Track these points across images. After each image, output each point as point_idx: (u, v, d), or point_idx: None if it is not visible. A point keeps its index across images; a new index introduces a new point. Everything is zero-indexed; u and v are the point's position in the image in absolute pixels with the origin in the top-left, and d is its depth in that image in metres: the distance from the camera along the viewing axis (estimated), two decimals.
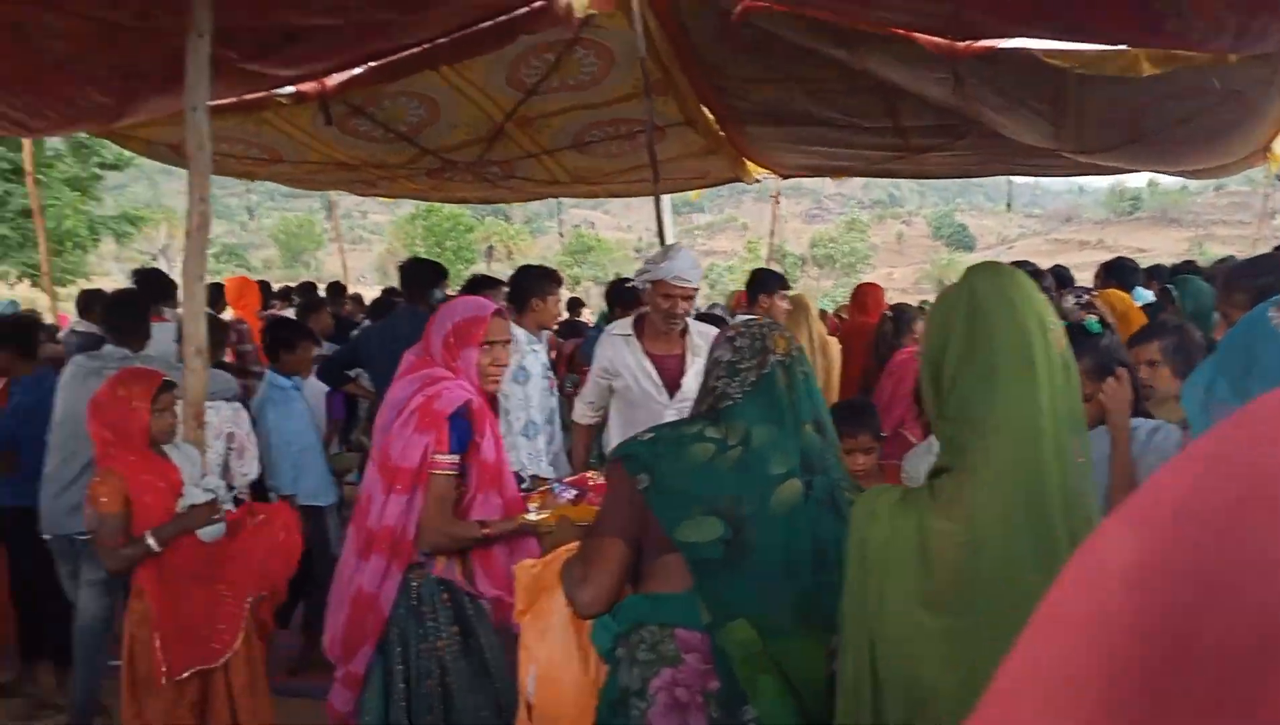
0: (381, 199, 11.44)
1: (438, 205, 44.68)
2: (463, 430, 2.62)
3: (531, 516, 2.56)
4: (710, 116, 6.61)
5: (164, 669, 2.90)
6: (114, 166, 19.03)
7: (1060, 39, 4.36)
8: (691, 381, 3.45)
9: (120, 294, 5.10)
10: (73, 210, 18.20)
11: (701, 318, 4.59)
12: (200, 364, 2.93)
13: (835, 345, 5.74)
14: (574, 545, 2.08)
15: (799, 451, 1.91)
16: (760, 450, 1.88)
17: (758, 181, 8.78)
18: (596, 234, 68.17)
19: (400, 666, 2.64)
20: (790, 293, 5.61)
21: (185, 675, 2.93)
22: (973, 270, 1.67)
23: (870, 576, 1.58)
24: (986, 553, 1.50)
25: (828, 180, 9.65)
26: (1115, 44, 4.25)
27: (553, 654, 1.87)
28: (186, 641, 2.97)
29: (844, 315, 8.87)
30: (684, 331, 3.58)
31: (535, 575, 1.99)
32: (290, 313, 8.70)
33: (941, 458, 1.61)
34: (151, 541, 2.92)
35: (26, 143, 8.10)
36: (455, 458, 2.60)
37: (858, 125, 6.40)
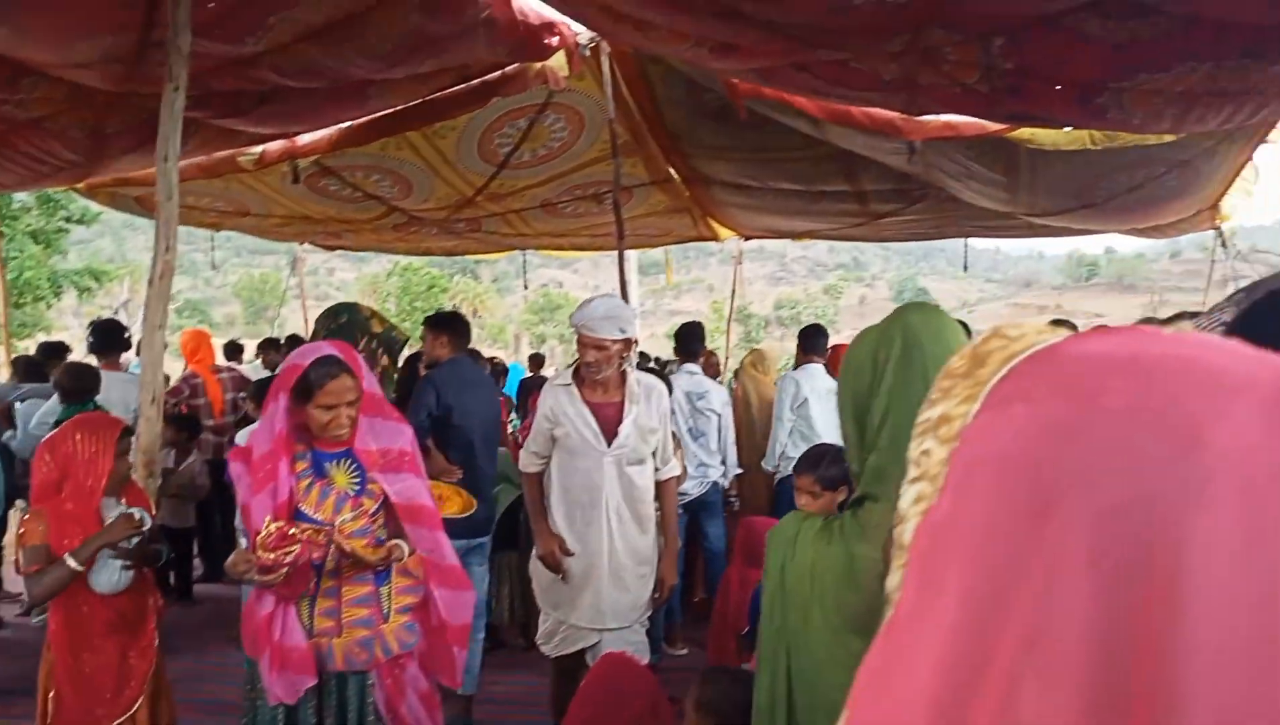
0: (347, 253, 11.45)
1: (415, 265, 44.38)
2: None
3: None
4: (677, 177, 6.75)
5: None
6: (80, 221, 18.81)
7: (1010, 124, 4.52)
8: (629, 429, 3.48)
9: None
10: (35, 263, 17.96)
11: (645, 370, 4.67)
12: (155, 413, 2.88)
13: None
14: None
15: None
16: None
17: (721, 243, 8.90)
18: (565, 292, 68.34)
19: None
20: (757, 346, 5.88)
21: None
22: (904, 309, 1.74)
23: (791, 600, 1.65)
24: None
25: (791, 243, 9.80)
26: (1062, 126, 4.42)
27: None
28: (86, 698, 2.89)
29: None
30: (624, 380, 3.59)
31: None
32: (251, 368, 8.66)
33: (865, 488, 1.65)
34: (71, 561, 2.81)
35: None
36: None
37: (818, 190, 6.53)
